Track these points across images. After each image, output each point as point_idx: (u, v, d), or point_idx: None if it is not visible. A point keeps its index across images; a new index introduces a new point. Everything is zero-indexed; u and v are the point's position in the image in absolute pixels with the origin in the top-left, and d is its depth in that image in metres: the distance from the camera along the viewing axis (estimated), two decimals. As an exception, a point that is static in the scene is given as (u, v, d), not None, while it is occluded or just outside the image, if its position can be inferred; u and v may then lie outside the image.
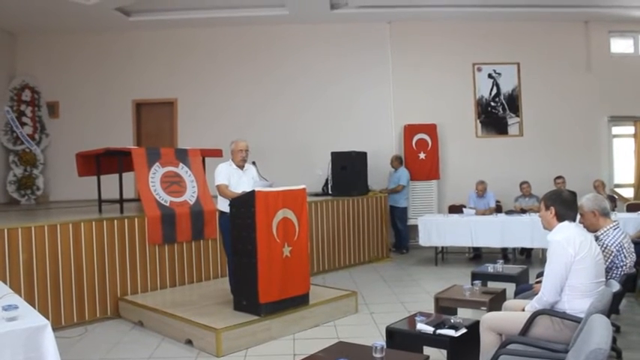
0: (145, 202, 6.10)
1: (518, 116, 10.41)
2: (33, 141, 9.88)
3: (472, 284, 5.07)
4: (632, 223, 7.26)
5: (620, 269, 3.81)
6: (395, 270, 8.22)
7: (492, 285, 5.45)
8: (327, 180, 9.35)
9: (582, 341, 2.40)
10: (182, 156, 6.69)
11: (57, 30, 10.00)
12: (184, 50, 10.28)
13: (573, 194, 3.67)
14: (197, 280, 6.51)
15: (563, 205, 3.41)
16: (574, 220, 3.45)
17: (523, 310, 3.44)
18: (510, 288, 5.18)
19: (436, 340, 3.63)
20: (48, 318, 4.22)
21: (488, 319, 3.43)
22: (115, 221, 5.83)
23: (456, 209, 9.38)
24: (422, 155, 10.05)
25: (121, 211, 6.38)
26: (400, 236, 9.65)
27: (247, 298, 4.97)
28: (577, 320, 3.03)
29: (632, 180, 10.56)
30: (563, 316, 3.20)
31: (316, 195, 8.97)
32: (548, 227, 3.47)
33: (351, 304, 5.79)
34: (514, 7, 9.66)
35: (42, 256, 5.25)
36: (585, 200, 4.03)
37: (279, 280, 4.95)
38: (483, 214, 8.47)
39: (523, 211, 8.57)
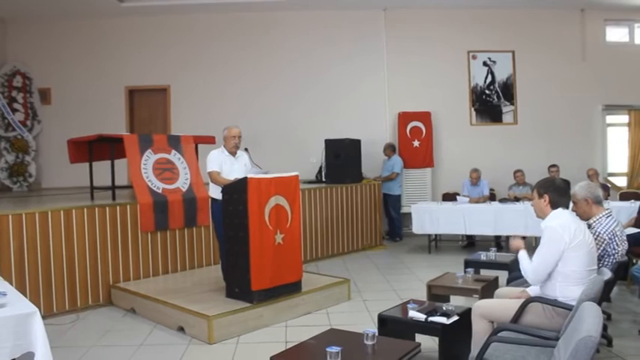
0: (137, 189, 6.07)
1: (512, 104, 10.39)
2: (25, 127, 9.80)
3: (465, 272, 5.07)
4: (625, 211, 7.28)
5: (612, 257, 3.82)
6: (388, 258, 8.23)
7: (485, 273, 5.47)
8: (320, 167, 9.33)
9: (573, 329, 2.40)
10: (175, 143, 6.65)
11: (48, 16, 9.87)
12: (177, 37, 10.18)
13: (566, 182, 3.66)
14: (189, 268, 6.50)
15: (556, 192, 3.40)
16: (567, 207, 3.45)
17: (519, 295, 3.48)
18: (503, 276, 5.19)
19: (428, 328, 3.63)
20: (39, 305, 4.22)
21: (480, 307, 3.44)
22: (107, 208, 5.80)
23: (449, 197, 9.41)
24: (416, 143, 10.04)
25: (113, 198, 6.34)
26: (394, 224, 9.65)
27: (239, 286, 4.96)
28: (568, 308, 3.03)
29: (625, 169, 10.59)
30: (555, 303, 3.20)
31: (310, 182, 8.95)
32: (541, 215, 3.46)
33: (344, 291, 5.79)
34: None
35: (33, 243, 5.22)
36: (579, 188, 4.04)
37: (272, 267, 4.94)
38: (477, 202, 8.49)
39: (517, 199, 8.58)
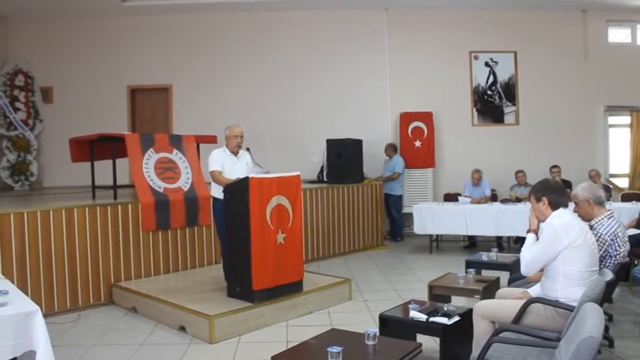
0: (139, 189, 6.08)
1: (514, 105, 10.38)
2: (27, 126, 9.81)
3: (466, 272, 5.07)
4: (627, 212, 7.26)
5: (613, 258, 3.81)
6: (389, 258, 8.23)
7: (486, 273, 5.47)
8: (322, 167, 9.33)
9: (574, 330, 2.40)
10: (176, 142, 6.65)
11: (51, 14, 9.89)
12: (180, 36, 10.19)
13: (566, 182, 3.66)
14: (191, 267, 6.50)
15: (554, 192, 3.40)
16: (566, 206, 3.44)
17: (520, 296, 3.48)
18: (504, 276, 5.19)
19: (429, 328, 3.63)
20: (41, 304, 4.23)
21: (482, 307, 3.43)
22: (109, 207, 5.80)
23: (451, 197, 9.40)
24: (417, 143, 10.03)
25: (115, 197, 6.34)
26: (395, 224, 9.64)
27: (241, 285, 4.96)
28: (570, 309, 3.03)
29: (627, 170, 10.57)
30: (556, 304, 3.20)
31: (311, 182, 8.95)
32: (543, 219, 3.45)
33: (345, 291, 5.78)
34: (512, -6, 9.63)
35: (35, 242, 5.22)
36: (580, 189, 4.03)
37: (273, 266, 4.94)
38: (478, 202, 8.48)
39: (518, 200, 8.57)
